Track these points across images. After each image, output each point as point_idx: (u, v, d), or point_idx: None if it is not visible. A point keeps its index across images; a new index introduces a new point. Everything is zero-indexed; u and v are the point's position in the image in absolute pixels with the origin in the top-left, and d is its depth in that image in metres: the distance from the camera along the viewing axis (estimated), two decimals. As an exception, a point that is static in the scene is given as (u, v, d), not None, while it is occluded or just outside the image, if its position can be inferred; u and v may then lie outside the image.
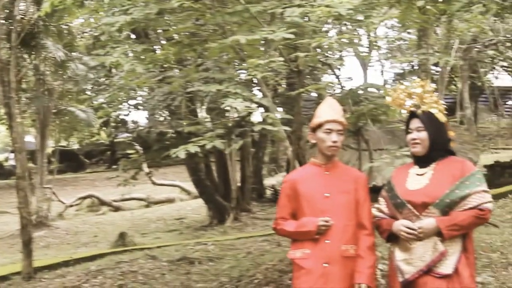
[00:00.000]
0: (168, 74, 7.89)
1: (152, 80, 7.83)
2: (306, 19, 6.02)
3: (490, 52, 21.94)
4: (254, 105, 5.80)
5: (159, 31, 9.47)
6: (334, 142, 3.69)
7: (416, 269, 3.38)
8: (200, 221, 15.28)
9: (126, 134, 18.23)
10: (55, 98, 18.08)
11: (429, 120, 3.53)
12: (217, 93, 6.03)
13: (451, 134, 3.60)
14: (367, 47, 21.35)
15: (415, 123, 3.56)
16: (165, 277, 7.84)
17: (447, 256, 3.34)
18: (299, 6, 5.43)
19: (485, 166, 13.68)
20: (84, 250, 12.45)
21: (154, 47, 9.11)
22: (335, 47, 6.65)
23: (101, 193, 21.97)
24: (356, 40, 7.48)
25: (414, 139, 3.55)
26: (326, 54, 7.79)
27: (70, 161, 32.78)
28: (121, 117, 15.09)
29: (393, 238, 3.55)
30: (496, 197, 3.34)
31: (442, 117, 3.56)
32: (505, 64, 26.06)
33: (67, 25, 17.54)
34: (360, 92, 6.58)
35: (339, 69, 12.77)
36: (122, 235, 11.95)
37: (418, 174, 3.55)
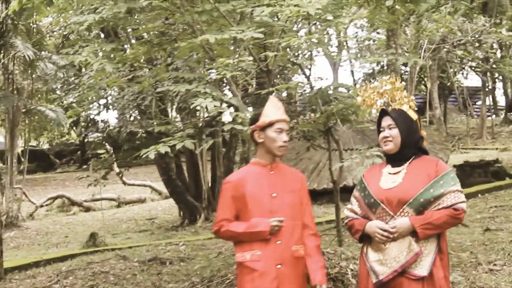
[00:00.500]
0: (138, 73, 7.88)
1: (122, 80, 7.81)
2: (276, 18, 6.05)
3: (459, 52, 22.17)
4: (224, 105, 5.81)
5: (129, 30, 9.43)
6: (285, 142, 3.65)
7: (390, 270, 3.33)
8: (171, 221, 15.21)
9: (96, 134, 18.09)
10: (24, 98, 17.86)
11: (400, 117, 3.51)
12: (187, 92, 6.03)
13: (423, 133, 3.58)
14: (336, 47, 21.58)
15: (387, 121, 3.53)
16: (136, 278, 7.81)
17: (422, 257, 3.31)
18: (268, 5, 5.45)
19: (455, 166, 13.78)
20: (55, 251, 12.30)
21: (124, 46, 9.08)
22: (305, 47, 6.67)
23: (71, 193, 21.73)
24: (325, 40, 7.51)
25: (386, 137, 3.51)
26: (296, 54, 7.83)
27: (40, 161, 32.35)
28: (91, 116, 15.01)
29: (365, 238, 3.50)
30: (465, 197, 3.35)
31: (413, 114, 3.55)
32: (473, 64, 26.36)
33: (36, 24, 17.38)
34: (330, 92, 6.59)
35: (309, 69, 12.82)
36: (93, 236, 11.86)
37: (391, 173, 3.50)
